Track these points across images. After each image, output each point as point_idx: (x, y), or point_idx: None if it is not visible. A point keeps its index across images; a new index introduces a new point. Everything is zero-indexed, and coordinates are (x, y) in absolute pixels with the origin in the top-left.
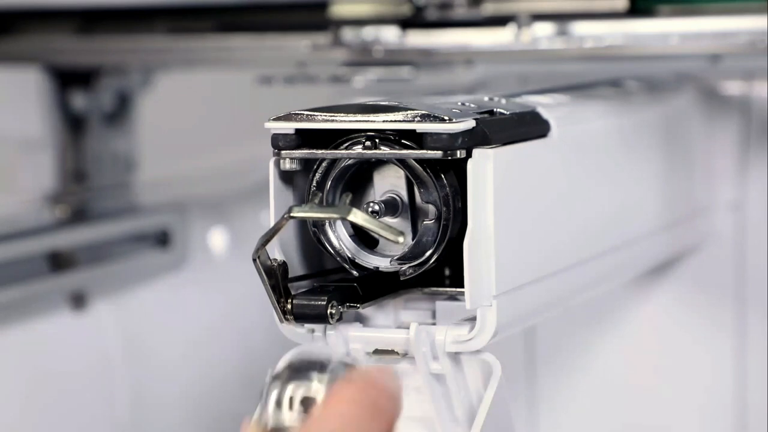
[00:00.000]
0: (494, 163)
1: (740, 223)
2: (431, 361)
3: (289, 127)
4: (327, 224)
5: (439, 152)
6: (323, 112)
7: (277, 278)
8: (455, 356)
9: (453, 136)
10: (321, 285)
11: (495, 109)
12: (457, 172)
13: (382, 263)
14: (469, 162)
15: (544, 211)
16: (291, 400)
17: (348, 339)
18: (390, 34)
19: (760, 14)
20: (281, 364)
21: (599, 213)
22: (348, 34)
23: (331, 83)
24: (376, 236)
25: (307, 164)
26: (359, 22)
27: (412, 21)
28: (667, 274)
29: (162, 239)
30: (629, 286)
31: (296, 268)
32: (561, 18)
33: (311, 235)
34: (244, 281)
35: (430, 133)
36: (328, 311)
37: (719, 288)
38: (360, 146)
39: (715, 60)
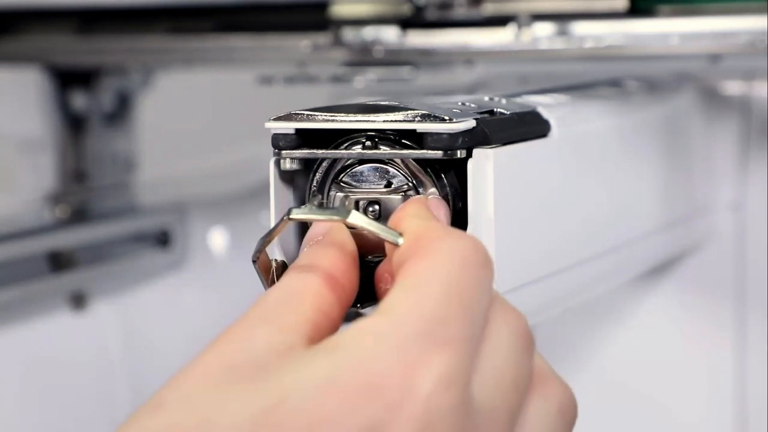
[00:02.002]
0: (494, 163)
1: (740, 223)
2: None
3: (289, 127)
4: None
5: (440, 152)
6: (323, 112)
7: (277, 279)
8: None
9: (453, 136)
10: None
11: (495, 109)
12: (458, 171)
13: None
14: (470, 162)
15: (544, 211)
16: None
17: None
18: (390, 34)
19: (760, 14)
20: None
21: (599, 213)
22: (348, 34)
23: (331, 83)
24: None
25: (308, 164)
26: (359, 22)
27: (412, 21)
28: (667, 274)
29: (162, 239)
30: (629, 286)
31: None
32: (561, 18)
33: None
34: (244, 281)
35: (431, 133)
36: None
37: (719, 288)
38: (360, 146)
39: (715, 60)
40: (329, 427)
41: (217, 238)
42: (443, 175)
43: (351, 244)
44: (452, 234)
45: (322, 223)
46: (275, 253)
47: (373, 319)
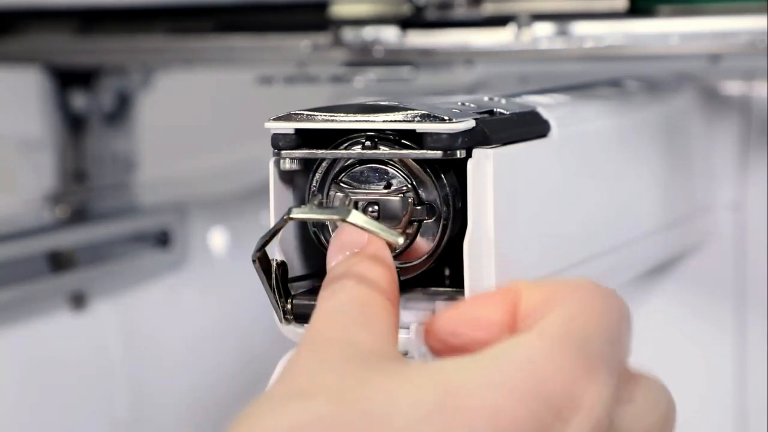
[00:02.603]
0: (494, 162)
1: (740, 223)
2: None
3: (289, 127)
4: (328, 224)
5: (439, 152)
6: (323, 112)
7: (277, 279)
8: None
9: (453, 136)
10: (321, 285)
11: (495, 109)
12: (457, 171)
13: None
14: (469, 162)
15: (544, 211)
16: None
17: None
18: (390, 34)
19: (760, 14)
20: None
21: (599, 213)
22: (348, 34)
23: (331, 83)
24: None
25: (307, 164)
26: (359, 22)
27: (412, 21)
28: (667, 274)
29: (162, 239)
30: (629, 286)
31: (296, 268)
32: (561, 18)
33: (311, 235)
34: (244, 281)
35: (430, 133)
36: None
37: (719, 288)
38: (359, 146)
39: (715, 60)
40: (507, 422)
41: (217, 238)
42: (443, 175)
43: (392, 261)
44: (595, 284)
45: (356, 232)
46: (275, 252)
47: (529, 336)
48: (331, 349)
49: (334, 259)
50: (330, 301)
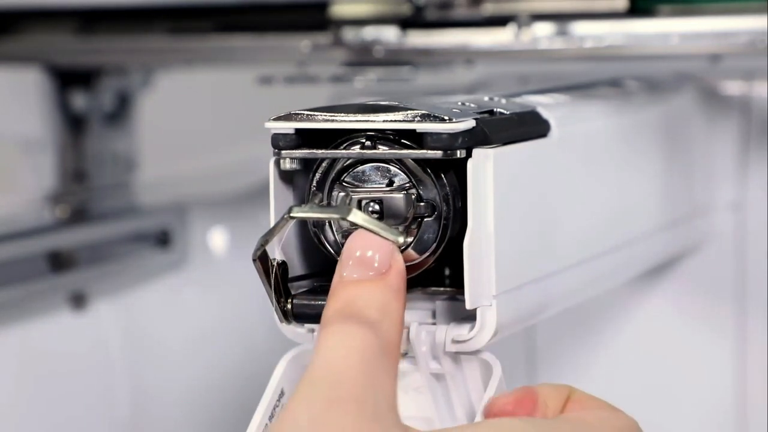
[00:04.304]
0: (494, 162)
1: (740, 223)
2: (431, 361)
3: (289, 126)
4: (327, 224)
5: (440, 152)
6: (323, 111)
7: (277, 278)
8: (455, 356)
9: (453, 135)
10: (321, 285)
11: (495, 109)
12: (457, 171)
13: None
14: (469, 162)
15: (544, 211)
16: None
17: None
18: (390, 34)
19: (760, 14)
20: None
21: (599, 213)
22: (348, 34)
23: (331, 83)
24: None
25: (307, 164)
26: (359, 22)
27: (412, 21)
28: (667, 274)
29: (162, 239)
30: (629, 286)
31: (296, 267)
32: (561, 18)
33: (311, 235)
34: (244, 281)
35: (431, 133)
36: None
37: (719, 288)
38: (359, 146)
39: (715, 60)
40: None
41: (217, 238)
42: (443, 175)
43: (404, 287)
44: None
45: (371, 242)
46: (275, 252)
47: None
48: (332, 403)
49: (345, 268)
50: (337, 342)
